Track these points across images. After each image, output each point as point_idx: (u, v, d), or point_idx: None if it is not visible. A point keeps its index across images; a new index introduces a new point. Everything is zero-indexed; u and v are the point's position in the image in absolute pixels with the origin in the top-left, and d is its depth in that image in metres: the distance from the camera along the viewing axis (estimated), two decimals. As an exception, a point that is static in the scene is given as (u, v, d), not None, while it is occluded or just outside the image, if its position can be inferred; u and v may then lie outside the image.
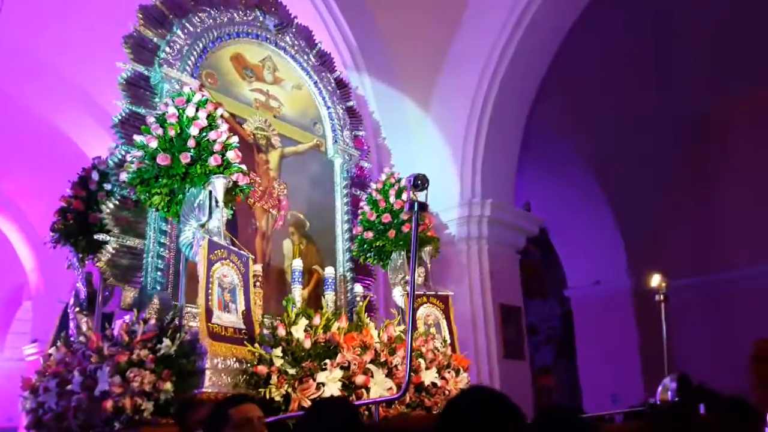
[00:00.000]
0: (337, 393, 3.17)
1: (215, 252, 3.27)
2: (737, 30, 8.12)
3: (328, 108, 5.20)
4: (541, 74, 6.80)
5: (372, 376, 3.35)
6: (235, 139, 3.59)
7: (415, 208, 2.40)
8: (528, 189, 9.49)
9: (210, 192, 3.42)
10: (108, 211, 3.73)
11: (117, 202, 3.77)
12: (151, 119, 3.51)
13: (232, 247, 3.41)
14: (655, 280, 4.70)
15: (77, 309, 4.16)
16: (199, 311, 3.11)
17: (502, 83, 6.48)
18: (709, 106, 9.18)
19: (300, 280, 4.04)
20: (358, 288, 4.40)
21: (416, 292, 4.37)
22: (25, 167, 10.50)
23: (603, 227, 9.98)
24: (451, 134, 6.38)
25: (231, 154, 3.50)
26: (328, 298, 4.16)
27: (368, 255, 4.63)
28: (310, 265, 4.62)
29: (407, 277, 4.47)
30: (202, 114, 3.51)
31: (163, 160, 3.32)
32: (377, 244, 4.46)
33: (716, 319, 9.31)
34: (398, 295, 4.44)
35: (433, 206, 5.20)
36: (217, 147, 3.44)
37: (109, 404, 3.02)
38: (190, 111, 3.48)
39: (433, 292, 4.40)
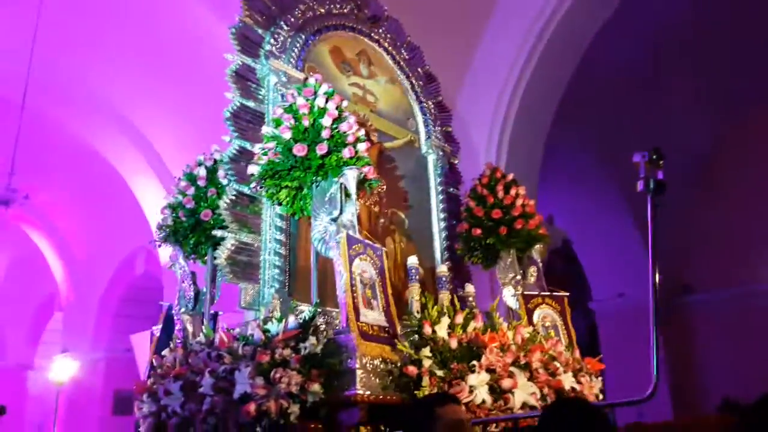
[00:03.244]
0: (487, 397, 2.99)
1: (353, 247, 3.12)
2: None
3: (421, 103, 5.06)
4: (563, 86, 7.05)
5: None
6: (363, 132, 3.44)
7: (650, 187, 2.14)
8: (552, 202, 9.46)
9: (341, 185, 3.27)
10: (225, 206, 3.59)
11: (233, 197, 3.63)
12: (279, 110, 3.37)
13: (367, 241, 3.25)
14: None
15: (182, 310, 4.01)
16: (348, 310, 2.93)
17: (524, 95, 6.65)
18: (728, 120, 9.17)
19: (416, 278, 3.87)
20: (470, 288, 4.22)
21: (531, 293, 4.20)
22: (56, 182, 10.64)
23: (627, 239, 10.15)
24: (472, 145, 6.36)
25: (362, 146, 3.35)
26: (443, 297, 3.98)
27: (473, 254, 4.45)
28: (412, 264, 4.44)
29: (518, 277, 4.30)
30: (332, 105, 3.36)
31: (300, 150, 3.17)
32: (488, 242, 4.28)
33: (740, 332, 9.29)
34: (509, 295, 4.26)
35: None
36: (350, 139, 3.29)
37: (252, 407, 2.86)
38: (320, 101, 3.34)
39: (548, 293, 4.21)
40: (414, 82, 5.07)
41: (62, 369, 10.26)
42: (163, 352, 3.67)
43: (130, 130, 8.40)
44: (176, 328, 4.01)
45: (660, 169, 2.06)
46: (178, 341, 3.84)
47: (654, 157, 2.05)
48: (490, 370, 3.08)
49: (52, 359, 12.02)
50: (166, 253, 4.25)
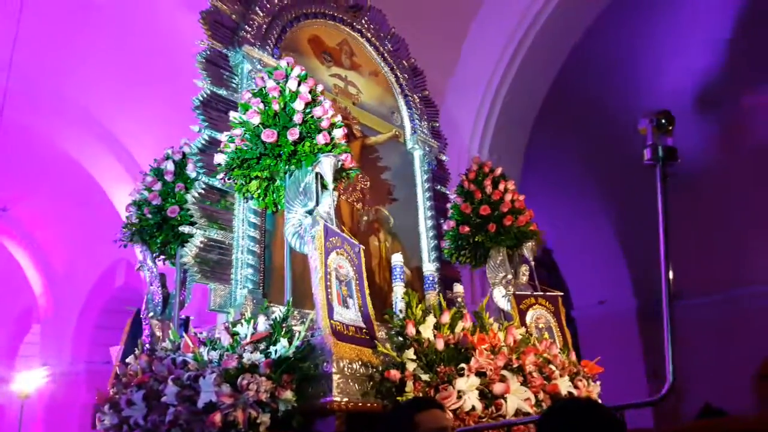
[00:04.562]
0: (477, 404, 2.73)
1: (330, 239, 2.86)
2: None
3: (406, 96, 4.83)
4: (543, 94, 7.19)
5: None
6: (339, 118, 3.19)
7: (659, 155, 1.89)
8: (532, 209, 9.32)
9: (317, 174, 3.01)
10: (193, 201, 3.32)
11: (202, 191, 3.36)
12: (248, 95, 3.12)
13: (345, 236, 2.99)
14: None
15: (151, 314, 3.73)
16: (320, 306, 2.67)
17: (505, 102, 6.76)
18: (713, 126, 9.10)
19: (401, 276, 3.60)
20: (458, 287, 3.96)
21: (523, 293, 3.94)
22: (35, 193, 10.44)
23: (607, 247, 10.17)
24: (453, 151, 6.26)
25: (338, 133, 3.10)
26: (430, 297, 3.72)
27: (461, 253, 4.19)
28: (397, 263, 4.19)
29: (509, 276, 4.05)
30: (305, 88, 3.12)
31: (268, 136, 2.91)
32: (477, 239, 4.02)
33: (722, 338, 9.23)
34: (499, 296, 4.00)
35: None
36: (324, 124, 3.04)
37: (217, 418, 2.58)
38: (291, 84, 3.09)
39: (541, 293, 3.96)
40: (398, 74, 4.85)
41: (27, 381, 9.93)
42: (127, 360, 3.38)
43: (109, 140, 8.20)
44: (144, 334, 3.73)
45: (669, 135, 1.81)
46: (145, 348, 3.56)
47: (663, 121, 1.79)
48: (480, 374, 2.82)
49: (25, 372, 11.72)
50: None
